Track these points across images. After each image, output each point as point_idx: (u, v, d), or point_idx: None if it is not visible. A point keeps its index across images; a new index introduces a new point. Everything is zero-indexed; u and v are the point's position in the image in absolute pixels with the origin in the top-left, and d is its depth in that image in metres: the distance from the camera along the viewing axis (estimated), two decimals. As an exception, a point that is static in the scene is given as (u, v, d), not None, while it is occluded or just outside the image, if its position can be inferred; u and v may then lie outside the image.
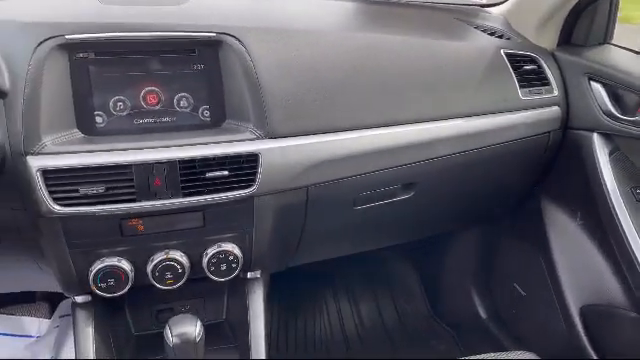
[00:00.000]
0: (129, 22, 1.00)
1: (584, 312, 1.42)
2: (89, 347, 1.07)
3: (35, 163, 0.90)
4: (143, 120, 1.02)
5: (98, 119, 0.99)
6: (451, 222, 1.62)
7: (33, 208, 0.92)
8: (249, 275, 1.18)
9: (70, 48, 0.95)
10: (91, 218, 0.95)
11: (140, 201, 0.95)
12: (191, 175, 0.97)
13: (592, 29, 1.41)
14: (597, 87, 1.31)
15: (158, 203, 0.96)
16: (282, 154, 1.03)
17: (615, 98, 1.30)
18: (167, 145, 0.97)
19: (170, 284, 1.04)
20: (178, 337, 0.95)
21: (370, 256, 1.80)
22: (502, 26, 1.45)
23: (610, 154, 1.31)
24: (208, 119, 1.05)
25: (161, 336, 1.00)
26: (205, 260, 1.05)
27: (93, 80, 0.98)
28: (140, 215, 0.97)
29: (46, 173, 0.90)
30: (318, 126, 1.08)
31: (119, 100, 1.00)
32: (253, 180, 1.01)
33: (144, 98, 1.01)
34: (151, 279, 1.03)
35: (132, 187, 0.95)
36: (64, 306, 1.80)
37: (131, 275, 1.01)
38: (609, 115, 1.29)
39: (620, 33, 1.44)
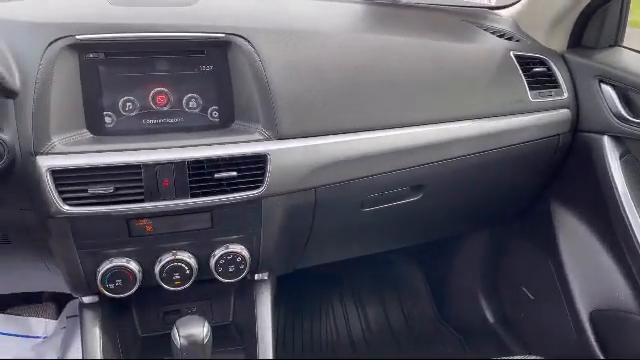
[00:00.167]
0: (139, 23, 1.00)
1: (594, 317, 1.40)
2: (96, 347, 1.07)
3: (45, 163, 0.90)
4: (152, 120, 1.02)
5: (107, 119, 0.99)
6: (459, 225, 1.61)
7: (42, 208, 0.92)
8: (257, 277, 1.18)
9: (80, 48, 0.96)
10: (99, 218, 0.95)
11: (148, 201, 0.95)
12: (200, 176, 0.97)
13: (603, 31, 1.40)
14: (608, 89, 1.30)
15: (166, 204, 0.96)
16: (291, 155, 1.03)
17: (626, 100, 1.29)
18: (176, 146, 0.97)
19: (178, 285, 1.04)
20: (186, 338, 0.95)
21: (376, 258, 1.79)
22: (511, 28, 1.45)
23: (621, 157, 1.30)
24: (217, 120, 1.05)
25: (167, 338, 1.00)
26: (213, 261, 1.05)
27: (103, 80, 0.98)
28: (148, 216, 0.97)
29: (55, 173, 0.90)
30: (327, 127, 1.07)
31: (128, 100, 1.00)
32: (261, 181, 1.01)
33: (153, 99, 1.01)
34: (159, 280, 1.03)
35: (141, 187, 0.95)
36: (71, 307, 1.80)
37: (139, 276, 1.01)
38: (620, 117, 1.28)
39: (630, 37, 1.43)
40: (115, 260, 0.99)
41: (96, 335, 1.08)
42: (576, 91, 1.36)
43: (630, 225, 1.25)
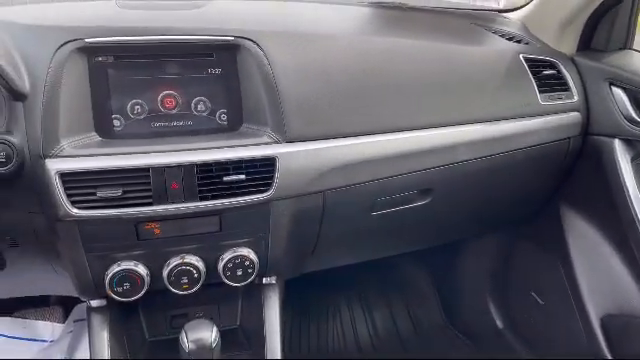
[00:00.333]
0: (148, 26, 1.01)
1: (605, 322, 1.38)
2: (104, 351, 1.07)
3: (53, 166, 0.90)
4: (160, 124, 1.02)
5: (116, 122, 0.99)
6: (468, 229, 1.60)
7: (51, 211, 0.92)
8: (264, 281, 1.17)
9: (89, 51, 0.96)
10: (108, 222, 0.95)
11: (157, 204, 0.95)
12: (208, 179, 0.97)
13: (612, 34, 1.39)
14: (618, 92, 1.29)
15: (175, 207, 0.96)
16: (299, 158, 1.03)
17: (637, 103, 1.28)
18: (184, 149, 0.97)
19: (186, 289, 1.03)
20: (194, 343, 0.94)
21: (383, 262, 1.78)
22: (520, 31, 1.44)
23: (632, 160, 1.29)
24: (225, 123, 1.04)
25: (175, 342, 0.99)
26: (221, 265, 1.04)
27: (111, 84, 0.98)
28: (157, 219, 0.97)
29: (64, 176, 0.90)
30: (335, 130, 1.07)
31: (137, 104, 1.00)
32: (270, 184, 1.00)
33: (162, 102, 1.01)
34: (167, 284, 1.02)
35: (149, 190, 0.94)
36: (78, 311, 1.80)
37: (147, 279, 1.01)
38: (631, 120, 1.27)
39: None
40: (123, 263, 0.99)
41: (104, 339, 1.08)
42: (586, 94, 1.35)
43: None
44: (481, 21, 1.45)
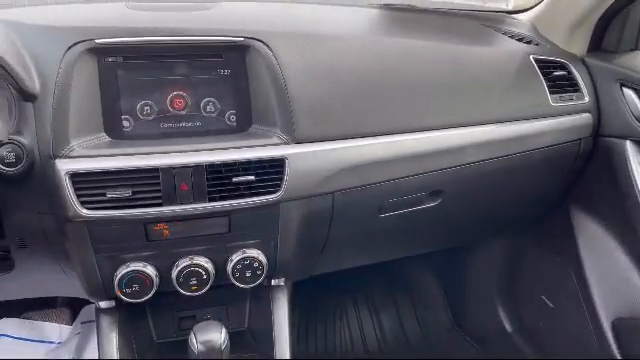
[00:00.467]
0: (157, 27, 1.01)
1: (616, 326, 1.37)
2: (113, 352, 1.06)
3: (63, 166, 0.90)
4: (169, 125, 1.01)
5: (125, 123, 0.99)
6: (478, 231, 1.59)
7: (60, 212, 0.92)
8: (273, 282, 1.17)
9: (99, 52, 0.96)
10: (117, 222, 0.94)
11: (166, 205, 0.95)
12: (217, 180, 0.97)
13: (623, 35, 1.38)
14: (629, 93, 1.28)
15: (184, 208, 0.96)
16: (308, 159, 1.02)
17: (649, 105, 1.27)
18: (194, 149, 0.96)
19: (194, 290, 1.03)
20: (203, 344, 0.94)
21: (391, 264, 1.77)
22: (530, 32, 1.43)
23: None
24: (234, 124, 1.04)
25: (182, 344, 0.99)
26: (230, 266, 1.04)
27: (121, 84, 0.98)
28: (166, 220, 0.97)
29: (74, 176, 0.90)
30: (345, 131, 1.06)
31: (146, 104, 1.00)
32: (279, 185, 1.00)
33: (171, 102, 1.01)
34: (175, 285, 1.02)
35: (158, 191, 0.94)
36: (85, 312, 1.80)
37: (156, 280, 1.00)
38: (643, 122, 1.26)
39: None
40: (132, 264, 0.99)
41: (113, 340, 1.07)
42: (597, 95, 1.34)
43: None
44: (490, 22, 1.44)
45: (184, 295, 1.03)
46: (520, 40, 1.36)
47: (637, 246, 1.29)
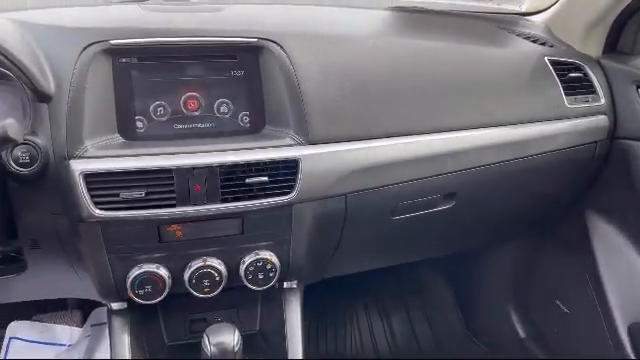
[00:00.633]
0: (171, 28, 1.01)
1: (632, 331, 1.34)
2: (125, 354, 1.06)
3: (77, 167, 0.90)
4: (183, 125, 1.01)
5: (139, 124, 0.99)
6: (491, 235, 1.57)
7: (74, 212, 0.92)
8: (285, 285, 1.16)
9: (114, 53, 0.96)
10: (130, 223, 0.94)
11: (180, 206, 0.94)
12: (231, 181, 0.96)
13: (639, 37, 1.37)
14: (646, 95, 1.26)
15: (197, 209, 0.95)
16: (322, 160, 1.01)
17: (666, 107, 1.25)
18: (207, 150, 0.96)
19: (207, 292, 1.02)
20: (216, 346, 0.93)
21: (402, 268, 1.76)
22: (544, 34, 1.42)
23: None
24: (247, 125, 1.04)
25: (193, 347, 0.98)
26: (242, 268, 1.03)
27: (135, 85, 0.98)
28: (179, 221, 0.96)
29: (88, 177, 0.90)
30: (358, 132, 1.06)
31: (160, 105, 1.00)
32: (292, 187, 0.99)
33: (184, 103, 1.01)
34: (188, 286, 1.01)
35: (172, 192, 0.94)
36: (95, 315, 1.80)
37: (168, 282, 1.00)
38: (660, 124, 1.24)
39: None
40: (145, 266, 0.98)
41: (125, 342, 1.07)
42: (613, 97, 1.33)
43: None
44: (504, 24, 1.43)
45: (196, 297, 1.03)
46: (534, 41, 1.34)
47: (654, 250, 1.27)
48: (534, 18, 1.50)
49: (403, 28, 1.28)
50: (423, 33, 1.27)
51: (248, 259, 1.03)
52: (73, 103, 0.91)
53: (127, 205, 0.92)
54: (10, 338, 1.73)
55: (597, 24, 1.36)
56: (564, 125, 1.25)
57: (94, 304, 1.73)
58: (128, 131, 0.98)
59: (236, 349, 0.94)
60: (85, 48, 0.94)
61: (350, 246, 1.20)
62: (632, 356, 1.34)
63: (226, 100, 1.02)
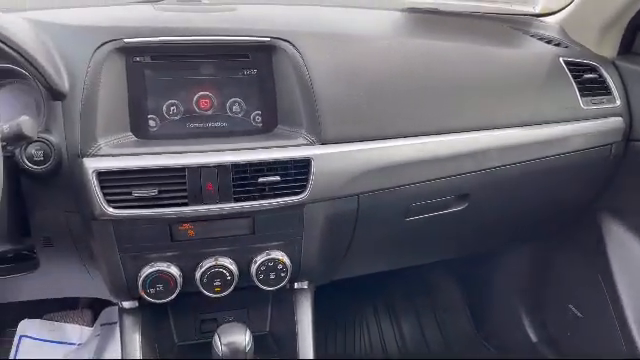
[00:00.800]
0: (184, 27, 1.01)
1: (648, 336, 1.33)
2: (136, 353, 1.06)
3: (91, 164, 0.90)
4: (195, 125, 1.01)
5: (151, 123, 0.99)
6: (504, 237, 1.55)
7: (87, 210, 0.92)
8: (296, 285, 1.15)
9: (127, 52, 0.97)
10: (143, 222, 0.94)
11: (192, 205, 0.94)
12: (243, 180, 0.96)
13: (655, 38, 1.35)
14: (662, 97, 1.25)
15: (209, 207, 0.95)
16: (334, 160, 1.01)
17: (682, 109, 1.23)
18: (220, 149, 0.96)
19: (218, 292, 1.02)
20: (227, 346, 0.93)
21: (412, 271, 1.75)
22: (559, 34, 1.40)
23: None
24: (260, 124, 1.04)
25: (203, 347, 0.98)
26: (254, 268, 1.02)
27: (148, 84, 0.99)
28: (191, 220, 0.96)
29: (101, 175, 0.90)
30: (371, 132, 1.05)
31: (172, 104, 1.00)
32: (304, 186, 0.99)
33: (197, 103, 1.01)
34: (199, 286, 1.01)
35: (184, 191, 0.94)
36: (105, 314, 1.80)
37: (179, 281, 1.00)
38: (676, 126, 1.22)
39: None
40: (156, 264, 0.98)
41: (136, 340, 1.07)
42: (628, 99, 1.31)
43: None
44: (518, 25, 1.42)
45: (206, 297, 1.02)
46: (549, 42, 1.33)
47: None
48: (548, 19, 1.49)
49: (416, 29, 1.28)
50: (435, 33, 1.26)
51: (259, 259, 1.02)
52: (87, 101, 0.92)
53: (139, 203, 0.92)
54: (20, 336, 1.74)
55: (612, 25, 1.34)
56: (579, 127, 1.23)
57: (104, 303, 1.73)
58: (141, 130, 0.98)
59: (247, 349, 0.93)
60: (99, 47, 0.94)
61: (362, 247, 1.19)
62: None
63: (238, 99, 1.02)
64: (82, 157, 0.91)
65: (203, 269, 1.00)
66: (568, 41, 1.38)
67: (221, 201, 0.95)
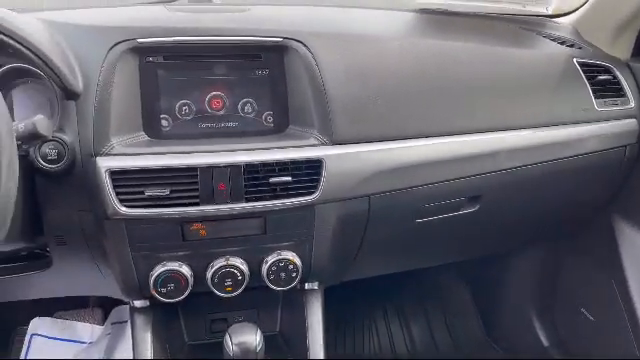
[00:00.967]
0: (197, 27, 1.02)
1: (661, 341, 1.31)
2: (147, 351, 1.06)
3: (104, 164, 0.90)
4: (207, 125, 1.02)
5: (164, 122, 1.00)
6: (515, 239, 1.54)
7: (99, 209, 0.92)
8: (307, 286, 1.15)
9: (140, 52, 0.97)
10: (155, 221, 0.95)
11: (204, 205, 0.94)
12: (254, 180, 0.96)
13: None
14: (677, 99, 1.23)
15: (220, 207, 0.95)
16: (346, 161, 1.01)
17: (697, 111, 1.22)
18: (232, 149, 0.96)
19: (229, 292, 1.02)
20: (238, 346, 0.93)
21: (422, 273, 1.74)
22: (572, 35, 1.39)
23: None
24: (271, 125, 1.04)
25: (213, 347, 0.98)
26: (265, 268, 1.03)
27: (161, 84, 0.99)
28: (202, 219, 0.96)
29: (114, 174, 0.90)
30: (382, 133, 1.05)
31: (185, 104, 1.00)
32: (316, 187, 0.99)
33: (209, 103, 1.01)
34: (210, 285, 1.01)
35: (196, 190, 0.94)
36: (116, 313, 1.81)
37: (191, 280, 1.00)
38: (691, 128, 1.21)
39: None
40: (168, 264, 0.99)
41: (147, 339, 1.07)
42: None
43: None
44: (530, 26, 1.41)
45: (217, 297, 1.03)
46: (562, 43, 1.32)
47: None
48: (561, 20, 1.47)
49: (428, 29, 1.27)
50: (448, 34, 1.26)
51: (270, 259, 1.03)
52: (100, 101, 0.92)
53: (152, 203, 0.93)
54: (32, 335, 1.75)
55: (626, 27, 1.33)
56: (593, 128, 1.22)
57: (115, 302, 1.74)
58: (153, 129, 0.99)
59: (258, 349, 0.93)
60: (113, 47, 0.95)
61: (372, 248, 1.19)
62: None
63: (250, 100, 1.03)
64: (95, 156, 0.91)
65: (214, 269, 1.00)
66: (581, 42, 1.37)
67: (233, 201, 0.96)
